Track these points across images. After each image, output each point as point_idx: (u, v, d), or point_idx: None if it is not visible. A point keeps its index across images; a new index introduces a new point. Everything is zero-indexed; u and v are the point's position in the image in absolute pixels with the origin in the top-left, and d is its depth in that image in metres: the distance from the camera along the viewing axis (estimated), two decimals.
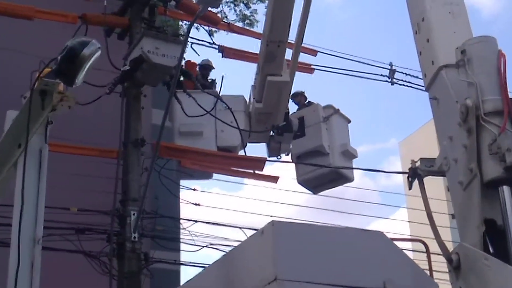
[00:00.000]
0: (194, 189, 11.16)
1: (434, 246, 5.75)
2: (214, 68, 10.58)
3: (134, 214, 8.38)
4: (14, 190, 3.37)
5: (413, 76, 11.80)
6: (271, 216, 13.30)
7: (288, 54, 9.25)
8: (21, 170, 3.25)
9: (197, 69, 10.43)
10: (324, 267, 2.91)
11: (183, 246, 10.54)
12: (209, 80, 10.58)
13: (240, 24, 13.49)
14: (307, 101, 10.68)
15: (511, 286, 4.35)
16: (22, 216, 3.07)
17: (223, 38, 13.20)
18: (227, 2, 13.30)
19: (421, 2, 5.84)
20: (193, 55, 10.65)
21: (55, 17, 9.56)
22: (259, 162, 9.86)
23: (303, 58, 10.65)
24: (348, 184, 10.48)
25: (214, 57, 11.43)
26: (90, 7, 9.75)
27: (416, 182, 6.17)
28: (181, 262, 10.91)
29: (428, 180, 6.08)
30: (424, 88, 5.97)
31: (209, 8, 8.48)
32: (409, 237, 7.27)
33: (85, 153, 9.53)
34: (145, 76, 8.69)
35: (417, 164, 6.09)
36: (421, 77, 6.32)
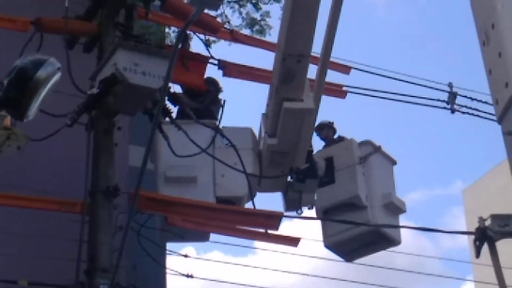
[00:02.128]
0: (186, 255, 10.02)
1: None
2: (221, 89, 9.75)
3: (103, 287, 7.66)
4: None
5: (480, 101, 10.55)
6: None
7: (312, 71, 8.40)
8: None
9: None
10: None
11: None
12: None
13: (247, 32, 12.42)
14: (337, 135, 9.90)
15: None
16: None
17: (225, 50, 12.18)
18: (229, 2, 12.35)
19: (489, 3, 4.54)
20: None
21: (5, 25, 8.79)
22: (273, 219, 8.66)
23: (333, 76, 9.80)
24: (394, 248, 9.60)
25: (213, 75, 10.59)
26: (47, 9, 9.07)
27: (486, 246, 6.23)
28: None
29: (502, 244, 6.25)
30: (495, 118, 4.39)
31: (206, 11, 6.74)
32: None
33: (40, 206, 8.51)
34: (120, 102, 7.95)
35: (487, 222, 6.26)
36: (490, 102, 5.12)
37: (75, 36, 8.61)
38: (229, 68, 9.76)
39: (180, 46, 8.86)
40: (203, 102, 9.65)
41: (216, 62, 9.74)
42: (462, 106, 10.90)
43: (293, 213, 9.27)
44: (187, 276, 9.65)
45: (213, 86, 9.62)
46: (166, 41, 10.95)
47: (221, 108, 9.47)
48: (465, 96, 10.79)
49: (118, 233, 7.73)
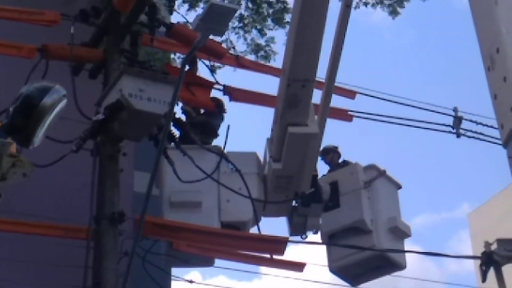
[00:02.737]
0: (191, 281, 9.77)
1: None
2: (225, 111, 9.82)
3: None
4: None
5: (485, 125, 10.66)
6: None
7: (317, 96, 8.57)
8: None
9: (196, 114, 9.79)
10: None
11: None
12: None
13: (252, 57, 12.39)
14: (342, 159, 9.97)
15: None
16: None
17: (230, 75, 12.25)
18: (234, 28, 12.30)
19: (494, 24, 4.52)
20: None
21: (4, 49, 8.89)
22: (278, 244, 8.67)
23: (338, 101, 9.99)
24: (399, 272, 9.56)
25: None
26: (53, 36, 8.99)
27: (492, 271, 6.74)
28: None
29: (509, 268, 6.61)
30: (500, 142, 4.51)
31: (211, 36, 7.70)
32: None
33: (44, 232, 8.39)
34: (125, 128, 7.90)
35: (493, 247, 6.55)
36: (496, 127, 4.91)
37: (80, 63, 8.64)
38: (235, 93, 9.82)
39: (186, 70, 8.69)
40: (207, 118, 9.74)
41: (221, 87, 9.79)
42: (468, 130, 10.98)
43: (298, 238, 9.22)
44: None
45: (218, 108, 9.67)
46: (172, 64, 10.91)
47: (223, 123, 9.47)
48: (470, 121, 10.90)
49: (123, 259, 7.71)
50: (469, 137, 10.92)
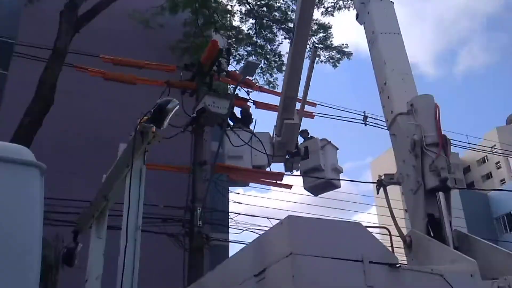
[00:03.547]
0: (238, 193, 13.80)
1: (394, 231, 6.56)
2: (252, 117, 12.31)
3: (199, 209, 10.87)
4: (124, 194, 3.65)
5: (380, 120, 14.59)
6: (287, 210, 15.57)
7: (297, 105, 10.76)
8: (129, 181, 3.62)
9: (239, 113, 12.30)
10: (323, 246, 3.54)
11: (230, 230, 13.50)
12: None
13: (266, 87, 16.30)
14: (309, 135, 12.36)
15: (443, 256, 5.26)
16: (129, 211, 3.45)
17: (255, 95, 15.66)
18: (258, 72, 16.27)
19: (383, 72, 7.37)
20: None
21: (149, 82, 12.68)
22: (279, 175, 12.23)
23: (307, 108, 12.61)
24: (337, 190, 12.50)
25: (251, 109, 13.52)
26: (172, 76, 12.49)
27: (381, 189, 7.12)
28: (229, 241, 13.60)
29: (390, 187, 7.10)
30: (386, 128, 7.43)
31: (247, 77, 11.72)
32: (378, 225, 8.35)
33: (170, 169, 12.06)
34: (206, 120, 11.38)
35: (382, 177, 7.12)
36: (383, 120, 7.57)
37: (185, 89, 12.03)
38: (257, 104, 13.51)
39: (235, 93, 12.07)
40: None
41: (252, 101, 13.32)
42: (371, 123, 14.88)
43: (289, 173, 12.09)
44: (238, 202, 13.49)
45: (248, 112, 12.41)
46: (228, 91, 13.74)
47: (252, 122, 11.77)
48: (372, 117, 15.15)
49: (205, 182, 11.07)
50: (370, 125, 15.44)
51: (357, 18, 8.83)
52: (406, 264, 4.86)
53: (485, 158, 63.11)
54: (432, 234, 6.17)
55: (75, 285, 5.24)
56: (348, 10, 18.10)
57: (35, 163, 3.14)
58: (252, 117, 12.42)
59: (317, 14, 17.74)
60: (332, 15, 18.61)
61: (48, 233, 3.05)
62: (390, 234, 6.46)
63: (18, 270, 2.84)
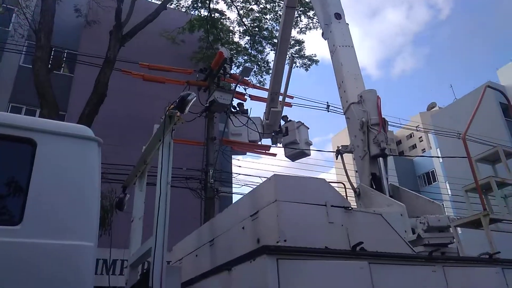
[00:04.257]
0: (238, 159, 14.59)
1: (347, 185, 6.71)
2: (244, 108, 12.17)
3: (211, 170, 11.31)
4: (158, 160, 3.52)
5: (337, 107, 14.02)
6: (273, 171, 16.15)
7: (280, 98, 10.66)
8: (161, 151, 3.47)
9: (236, 104, 12.11)
10: (299, 195, 3.50)
11: (234, 185, 13.91)
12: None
13: (258, 85, 16.58)
14: (288, 119, 12.32)
15: (382, 202, 5.41)
16: (162, 171, 3.32)
17: (250, 90, 15.29)
18: (252, 75, 16.61)
19: (341, 72, 7.51)
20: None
21: (175, 82, 12.64)
22: (267, 147, 12.41)
23: (287, 100, 12.25)
24: (308, 157, 12.22)
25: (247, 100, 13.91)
26: (191, 77, 12.75)
27: (339, 156, 7.38)
28: (232, 193, 13.98)
29: (345, 155, 7.41)
30: (343, 113, 7.50)
31: (244, 78, 12.70)
32: (336, 181, 7.63)
33: (191, 143, 11.97)
34: (216, 108, 11.58)
35: (340, 147, 7.38)
36: (341, 108, 7.65)
37: (200, 86, 12.04)
38: (252, 97, 13.37)
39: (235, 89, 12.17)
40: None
41: (248, 95, 13.36)
42: (332, 110, 14.49)
43: (274, 145, 12.15)
44: (239, 166, 14.75)
45: (241, 108, 12.13)
46: (230, 87, 12.89)
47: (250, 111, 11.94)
48: (334, 106, 14.56)
49: (216, 152, 11.42)
50: (332, 112, 15.25)
51: (322, 35, 8.82)
52: (356, 208, 4.86)
53: (412, 134, 63.91)
54: (374, 187, 6.25)
55: (124, 223, 5.14)
56: (316, 29, 18.26)
57: (94, 138, 3.12)
58: (244, 106, 12.41)
59: (294, 32, 17.89)
60: (305, 33, 19.18)
61: (105, 188, 3.05)
62: (345, 187, 6.54)
63: (86, 214, 2.85)
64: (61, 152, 2.91)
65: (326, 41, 8.58)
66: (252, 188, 4.56)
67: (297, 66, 18.30)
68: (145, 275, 3.50)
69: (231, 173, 13.75)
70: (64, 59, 16.37)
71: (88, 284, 2.64)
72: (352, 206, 3.90)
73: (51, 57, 11.98)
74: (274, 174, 3.65)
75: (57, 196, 2.77)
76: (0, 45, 14.36)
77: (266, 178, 3.89)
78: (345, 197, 4.26)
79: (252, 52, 18.73)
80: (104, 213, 8.91)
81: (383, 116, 6.55)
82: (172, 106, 3.61)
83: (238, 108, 12.16)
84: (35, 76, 10.01)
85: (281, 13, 9.34)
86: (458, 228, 5.26)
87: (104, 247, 2.87)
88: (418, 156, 46.98)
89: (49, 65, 10.92)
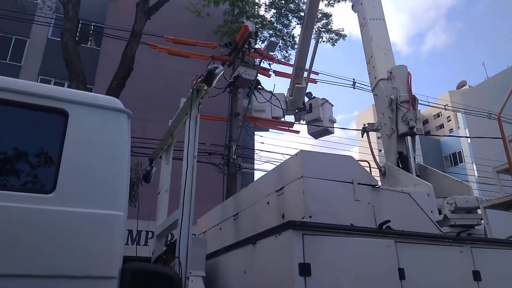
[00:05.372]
0: (261, 136, 14.47)
1: (372, 164, 6.63)
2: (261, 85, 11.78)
3: (234, 146, 11.32)
4: (184, 134, 3.51)
5: (364, 84, 14.96)
6: (295, 149, 16.38)
7: (305, 74, 10.83)
8: (188, 124, 3.46)
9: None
10: (325, 171, 3.51)
11: (256, 162, 13.93)
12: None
13: (283, 60, 16.50)
14: (313, 96, 12.22)
15: (408, 181, 5.42)
16: (189, 145, 3.32)
17: (275, 66, 16.05)
18: (277, 50, 16.57)
19: (370, 47, 7.52)
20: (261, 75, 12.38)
21: (200, 56, 12.62)
22: (290, 124, 12.31)
23: (312, 76, 12.48)
24: (331, 135, 12.20)
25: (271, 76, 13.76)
26: (215, 51, 12.83)
27: (365, 134, 7.39)
28: (254, 169, 14.18)
29: (371, 133, 7.45)
30: (370, 90, 7.59)
31: (269, 53, 12.34)
32: (361, 159, 6.89)
33: (214, 118, 11.98)
34: (240, 84, 11.56)
35: (366, 125, 7.42)
36: (367, 84, 8.74)
37: (224, 61, 11.99)
38: (276, 73, 13.23)
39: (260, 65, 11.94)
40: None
41: (272, 70, 13.14)
42: (358, 87, 15.79)
43: (297, 122, 12.14)
44: (261, 143, 15.02)
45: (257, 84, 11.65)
46: (255, 63, 12.66)
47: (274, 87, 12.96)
48: (359, 83, 15.97)
49: (239, 128, 11.36)
50: (359, 88, 15.66)
51: (352, 8, 8.64)
52: (383, 186, 4.84)
53: (440, 113, 62.37)
54: (400, 166, 6.22)
55: (150, 195, 5.30)
56: (345, 2, 17.68)
57: (124, 109, 3.13)
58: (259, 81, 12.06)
59: (321, 5, 17.43)
60: (333, 6, 18.58)
61: (132, 161, 3.08)
62: (370, 166, 6.37)
63: (117, 184, 2.88)
64: (92, 123, 2.94)
65: (356, 14, 8.41)
66: (274, 165, 4.60)
67: (323, 41, 18.04)
68: (171, 245, 3.58)
69: (254, 149, 13.80)
70: (91, 32, 16.43)
71: (118, 254, 2.71)
72: (379, 185, 3.85)
73: (78, 30, 11.80)
74: (301, 150, 3.64)
75: (89, 166, 2.81)
76: (29, 18, 14.43)
77: (289, 155, 3.99)
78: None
79: (278, 26, 18.44)
80: (131, 185, 9.14)
81: (413, 93, 6.42)
82: (199, 79, 3.57)
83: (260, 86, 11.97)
84: (64, 49, 10.13)
85: None
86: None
87: (129, 219, 2.90)
88: (446, 136, 45.94)
89: (76, 38, 10.97)
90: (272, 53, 13.38)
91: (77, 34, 11.25)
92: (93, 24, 17.00)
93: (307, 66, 10.46)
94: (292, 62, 13.09)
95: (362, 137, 7.33)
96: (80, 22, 13.20)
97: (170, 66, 15.56)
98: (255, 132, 13.86)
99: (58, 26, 13.28)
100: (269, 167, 15.30)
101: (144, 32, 11.68)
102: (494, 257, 3.73)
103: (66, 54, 10.07)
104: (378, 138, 7.56)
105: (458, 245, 3.63)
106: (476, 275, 3.51)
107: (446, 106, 21.11)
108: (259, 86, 11.72)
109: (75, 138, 2.83)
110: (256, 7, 18.33)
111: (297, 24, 18.54)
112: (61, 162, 2.73)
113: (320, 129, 11.82)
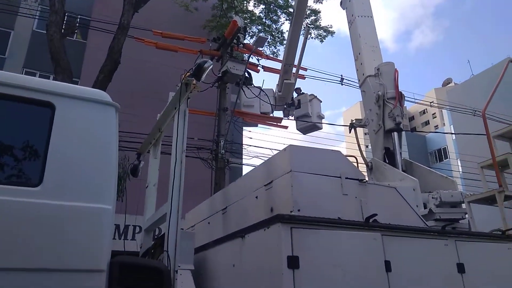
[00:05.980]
0: (249, 131, 14.20)
1: (360, 160, 6.66)
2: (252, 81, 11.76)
3: (222, 141, 11.23)
4: (173, 128, 3.46)
5: (351, 80, 14.79)
6: (283, 144, 15.97)
7: (293, 69, 10.88)
8: (176, 119, 3.43)
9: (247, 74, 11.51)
10: (313, 166, 3.52)
11: (244, 156, 13.69)
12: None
13: (272, 55, 16.41)
14: (301, 92, 12.16)
15: (395, 176, 5.48)
16: (177, 139, 3.30)
17: (264, 61, 15.79)
18: (266, 45, 16.49)
19: (358, 44, 7.55)
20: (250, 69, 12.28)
21: (187, 51, 12.55)
22: (279, 119, 12.33)
23: (301, 71, 12.31)
24: (319, 130, 12.17)
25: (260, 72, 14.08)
26: (204, 46, 12.80)
27: (353, 130, 7.45)
28: (242, 164, 14.21)
29: (358, 129, 7.48)
30: (358, 86, 7.57)
31: (258, 48, 12.45)
32: (348, 155, 8.06)
33: (203, 113, 11.80)
34: (228, 78, 11.32)
35: (354, 121, 7.51)
36: (355, 81, 8.66)
37: (213, 56, 11.96)
38: (265, 68, 13.41)
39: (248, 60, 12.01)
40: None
41: (261, 66, 13.40)
42: (346, 83, 14.71)
43: (285, 118, 12.17)
44: (250, 138, 13.94)
45: (249, 76, 11.68)
46: (244, 57, 13.43)
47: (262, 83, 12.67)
48: (347, 79, 14.84)
49: (227, 123, 11.29)
50: (346, 85, 15.06)
51: (341, 4, 8.65)
52: (370, 181, 4.85)
53: (425, 110, 63.08)
54: (387, 161, 6.27)
55: (138, 190, 5.29)
56: None
57: (112, 103, 3.11)
58: (252, 77, 12.07)
59: (310, 1, 17.52)
60: (321, 2, 18.34)
61: (119, 155, 3.04)
62: (357, 161, 6.41)
63: (104, 177, 2.86)
64: (80, 116, 2.91)
65: (344, 11, 8.43)
66: (262, 160, 4.57)
67: (312, 37, 17.97)
68: (160, 239, 3.58)
69: (242, 144, 13.74)
70: (77, 25, 16.20)
71: (107, 247, 2.69)
72: (366, 179, 3.89)
73: (64, 22, 11.59)
74: (290, 145, 3.68)
75: (76, 159, 2.79)
76: (14, 9, 14.17)
77: (277, 151, 3.93)
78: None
79: (267, 21, 18.37)
80: (118, 179, 9.04)
81: (400, 90, 6.46)
82: (188, 73, 3.51)
83: (248, 77, 11.82)
84: (50, 41, 9.97)
85: None
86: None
87: (117, 213, 2.87)
88: (432, 132, 46.64)
89: (62, 31, 10.80)
90: (260, 49, 13.49)
91: (63, 27, 11.09)
92: (79, 16, 16.79)
93: (296, 62, 10.39)
94: (280, 58, 13.56)
95: (350, 132, 7.37)
96: (66, 14, 13.03)
97: (157, 61, 15.42)
98: (244, 127, 13.60)
99: (44, 18, 13.11)
100: (258, 162, 15.44)
101: (132, 25, 11.56)
102: (478, 250, 3.80)
103: (51, 46, 9.93)
104: (366, 134, 7.58)
105: (443, 238, 3.69)
106: (460, 268, 3.57)
107: (431, 103, 21.35)
108: (251, 83, 11.69)
109: (62, 131, 2.80)
110: (245, 2, 18.24)
111: (286, 20, 18.48)
112: (48, 155, 2.70)
113: (308, 125, 11.81)
